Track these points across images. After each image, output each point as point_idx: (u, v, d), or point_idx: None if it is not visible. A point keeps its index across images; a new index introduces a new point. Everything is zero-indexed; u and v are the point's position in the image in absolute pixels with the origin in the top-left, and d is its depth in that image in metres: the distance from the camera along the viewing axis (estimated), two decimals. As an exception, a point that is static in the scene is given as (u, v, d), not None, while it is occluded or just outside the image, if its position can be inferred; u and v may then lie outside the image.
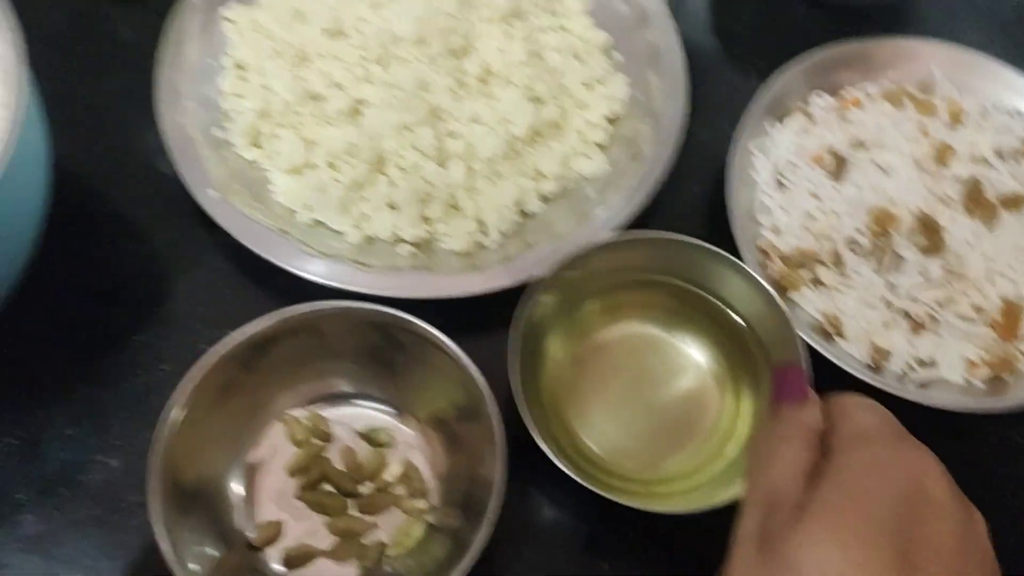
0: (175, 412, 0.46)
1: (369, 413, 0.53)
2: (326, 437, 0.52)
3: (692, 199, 0.62)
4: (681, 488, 0.50)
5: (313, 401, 0.53)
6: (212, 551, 0.47)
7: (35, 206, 0.50)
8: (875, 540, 0.33)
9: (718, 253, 0.52)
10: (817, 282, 0.57)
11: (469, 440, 0.49)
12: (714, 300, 0.54)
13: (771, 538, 0.34)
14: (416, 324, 0.48)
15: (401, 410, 0.53)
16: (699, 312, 0.54)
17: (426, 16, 0.59)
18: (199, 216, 0.56)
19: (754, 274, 0.51)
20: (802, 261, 0.57)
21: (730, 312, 0.53)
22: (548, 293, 0.51)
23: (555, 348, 0.53)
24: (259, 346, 0.49)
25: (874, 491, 0.34)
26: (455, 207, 0.57)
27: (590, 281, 0.53)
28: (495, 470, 0.45)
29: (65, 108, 0.55)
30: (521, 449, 0.47)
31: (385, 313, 0.49)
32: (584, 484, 0.46)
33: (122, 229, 0.58)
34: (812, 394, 0.40)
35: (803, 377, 0.42)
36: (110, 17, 0.66)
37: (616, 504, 0.46)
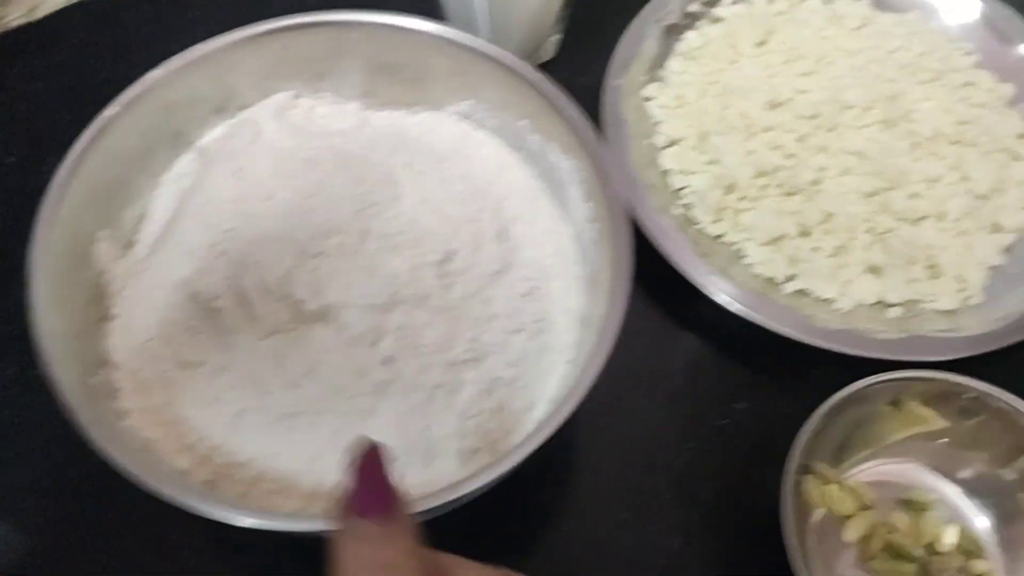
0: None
1: (906, 471, 0.53)
2: (870, 503, 0.52)
3: None
4: None
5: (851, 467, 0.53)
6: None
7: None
8: None
9: None
10: None
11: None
12: None
13: None
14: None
15: (940, 469, 0.53)
16: None
17: (871, 83, 0.61)
18: (677, 299, 0.57)
19: None
20: None
21: None
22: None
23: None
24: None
25: None
26: (934, 267, 0.58)
27: None
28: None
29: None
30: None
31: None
32: None
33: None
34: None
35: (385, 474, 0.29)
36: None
37: None
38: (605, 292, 0.43)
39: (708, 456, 0.55)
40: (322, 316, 0.44)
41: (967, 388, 0.49)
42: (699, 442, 0.55)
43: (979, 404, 0.50)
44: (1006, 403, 0.49)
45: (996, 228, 0.60)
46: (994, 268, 0.59)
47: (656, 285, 0.59)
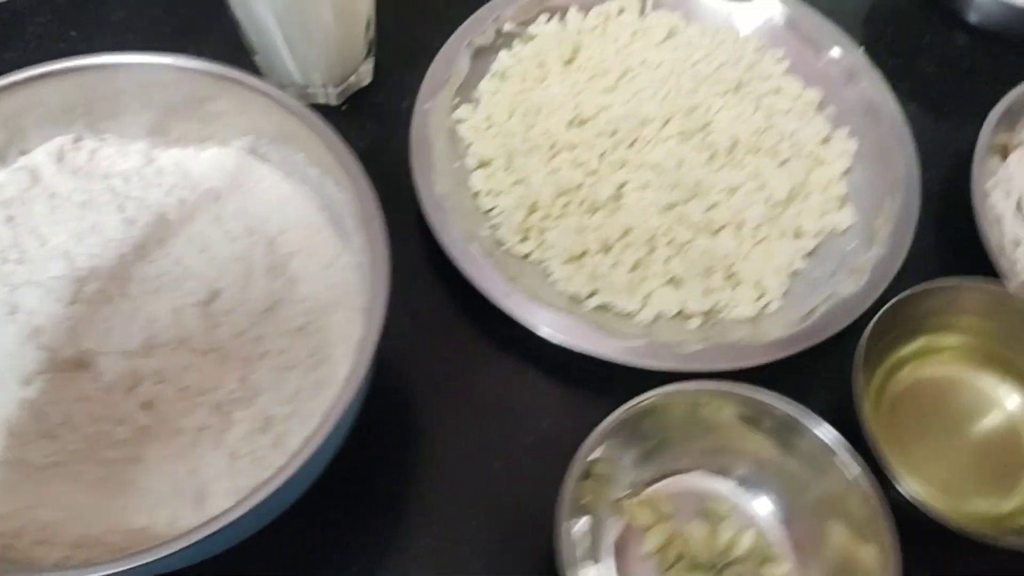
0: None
1: (702, 483, 0.54)
2: (669, 515, 0.53)
3: (936, 243, 0.64)
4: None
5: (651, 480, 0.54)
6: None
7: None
8: None
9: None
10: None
11: (828, 503, 0.50)
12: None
13: None
14: (767, 402, 0.50)
15: (736, 478, 0.54)
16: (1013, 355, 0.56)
17: (669, 96, 0.62)
18: (489, 320, 0.58)
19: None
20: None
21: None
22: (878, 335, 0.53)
23: (875, 389, 0.55)
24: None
25: None
26: (733, 276, 0.59)
27: (911, 324, 0.55)
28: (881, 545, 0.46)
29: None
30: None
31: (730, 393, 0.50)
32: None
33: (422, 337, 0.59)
34: None
35: None
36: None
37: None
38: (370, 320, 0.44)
39: (513, 475, 0.55)
40: (79, 364, 0.44)
41: (745, 397, 0.50)
42: (506, 461, 0.56)
43: (757, 409, 0.50)
44: (775, 406, 0.50)
45: (798, 234, 0.61)
46: (795, 273, 0.60)
47: (470, 310, 0.59)
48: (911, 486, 0.49)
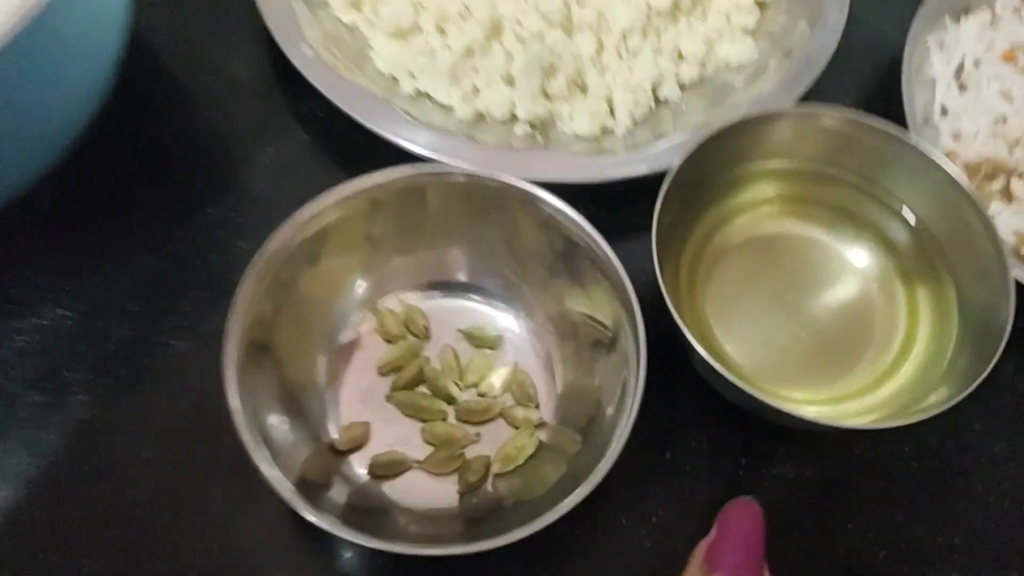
0: (252, 288, 0.38)
1: (479, 308, 0.45)
2: (424, 333, 0.44)
3: (854, 103, 0.53)
4: (853, 411, 0.42)
5: (414, 289, 0.45)
6: (293, 448, 0.39)
7: (111, 37, 0.43)
8: None
9: (897, 138, 0.43)
10: (1009, 195, 0.48)
11: (601, 356, 0.41)
12: (886, 197, 0.45)
13: None
14: (558, 207, 0.40)
15: (518, 309, 0.45)
16: (867, 211, 0.46)
17: None
18: (288, 82, 0.50)
19: (942, 164, 0.42)
20: (991, 171, 0.49)
21: (904, 209, 0.45)
22: (694, 175, 0.43)
23: (695, 246, 0.45)
24: (350, 217, 0.41)
25: None
26: (581, 85, 0.49)
27: (741, 166, 0.45)
28: (629, 394, 0.37)
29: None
30: (656, 375, 0.38)
31: (510, 186, 0.41)
32: (745, 389, 0.37)
33: (203, 93, 0.51)
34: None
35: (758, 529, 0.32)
36: None
37: (762, 437, 0.37)
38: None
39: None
40: None
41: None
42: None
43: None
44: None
45: (678, 57, 0.51)
46: (665, 102, 0.50)
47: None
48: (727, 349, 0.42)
